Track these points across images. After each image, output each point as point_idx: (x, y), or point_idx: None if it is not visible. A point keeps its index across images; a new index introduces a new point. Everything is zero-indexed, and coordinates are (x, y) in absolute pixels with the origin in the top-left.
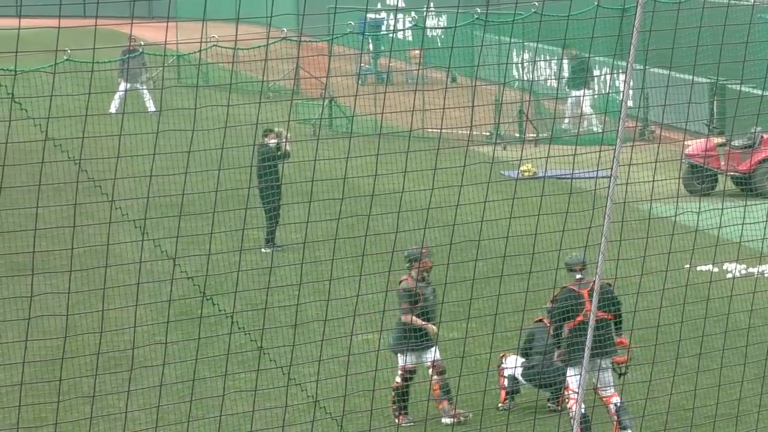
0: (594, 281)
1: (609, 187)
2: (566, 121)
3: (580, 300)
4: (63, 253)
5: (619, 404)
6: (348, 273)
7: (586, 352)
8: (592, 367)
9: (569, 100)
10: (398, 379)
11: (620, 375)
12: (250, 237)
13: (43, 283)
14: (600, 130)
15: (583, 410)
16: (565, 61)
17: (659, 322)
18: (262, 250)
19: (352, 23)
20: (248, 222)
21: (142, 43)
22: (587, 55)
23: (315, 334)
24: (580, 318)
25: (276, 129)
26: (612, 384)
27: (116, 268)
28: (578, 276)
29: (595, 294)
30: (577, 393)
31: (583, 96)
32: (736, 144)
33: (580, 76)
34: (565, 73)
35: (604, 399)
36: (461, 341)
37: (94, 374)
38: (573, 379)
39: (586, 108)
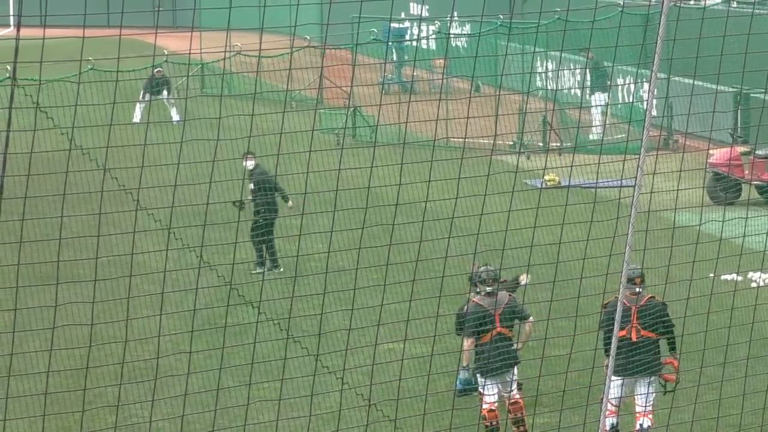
0: (647, 298)
1: (633, 196)
2: (595, 131)
3: (626, 315)
4: (88, 263)
5: (644, 428)
6: (372, 282)
7: (610, 364)
8: (634, 381)
9: (593, 108)
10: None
11: (665, 392)
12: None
13: (68, 292)
14: (618, 137)
15: (615, 421)
16: (587, 68)
17: (683, 331)
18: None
19: (376, 31)
20: (274, 232)
21: (166, 56)
22: (606, 62)
23: (339, 344)
24: (623, 333)
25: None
26: (649, 402)
27: (141, 277)
28: (638, 290)
29: (618, 303)
30: (612, 404)
31: (601, 103)
32: (761, 153)
33: (600, 82)
34: (588, 81)
35: (636, 413)
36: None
37: (118, 383)
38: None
39: (608, 115)
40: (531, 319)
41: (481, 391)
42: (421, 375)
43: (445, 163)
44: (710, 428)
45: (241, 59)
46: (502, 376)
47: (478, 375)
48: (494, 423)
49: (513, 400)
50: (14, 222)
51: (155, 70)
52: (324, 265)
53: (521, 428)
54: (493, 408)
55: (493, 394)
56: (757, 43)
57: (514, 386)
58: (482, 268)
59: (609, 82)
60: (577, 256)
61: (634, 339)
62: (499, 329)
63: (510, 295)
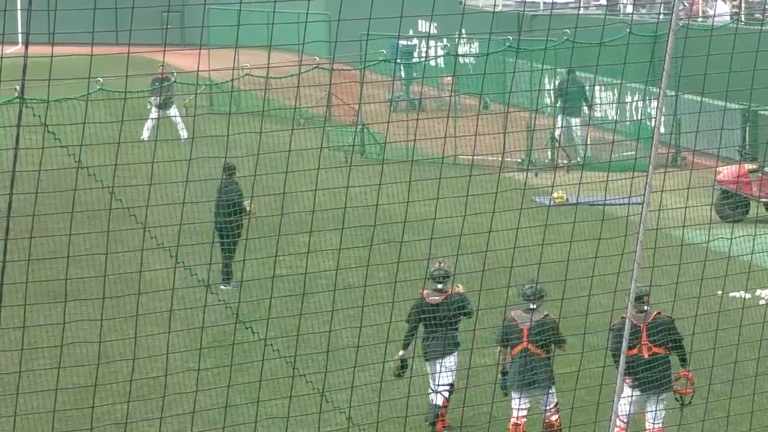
0: (654, 314)
1: (641, 214)
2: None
3: (635, 333)
4: (96, 280)
5: None
6: (381, 299)
7: (618, 381)
8: (645, 398)
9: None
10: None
11: (681, 405)
12: (283, 264)
13: (76, 310)
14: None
15: None
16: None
17: (692, 348)
18: (222, 287)
19: (385, 51)
20: (281, 249)
21: (174, 73)
22: (615, 79)
23: (348, 360)
24: (633, 351)
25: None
26: (660, 420)
27: (149, 295)
28: (646, 307)
29: (627, 321)
30: (622, 421)
31: (584, 122)
32: None
33: (577, 99)
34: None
35: (645, 430)
36: (493, 368)
37: (127, 401)
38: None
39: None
40: (564, 347)
41: (512, 404)
42: (430, 393)
43: (454, 181)
44: None
45: (249, 77)
46: (528, 392)
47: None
48: None
49: (547, 422)
50: (22, 240)
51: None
52: (332, 283)
53: None
54: (518, 422)
55: (519, 409)
56: (765, 61)
57: (548, 406)
58: (527, 285)
59: (589, 101)
60: (585, 274)
61: (646, 356)
62: (525, 344)
63: (549, 315)
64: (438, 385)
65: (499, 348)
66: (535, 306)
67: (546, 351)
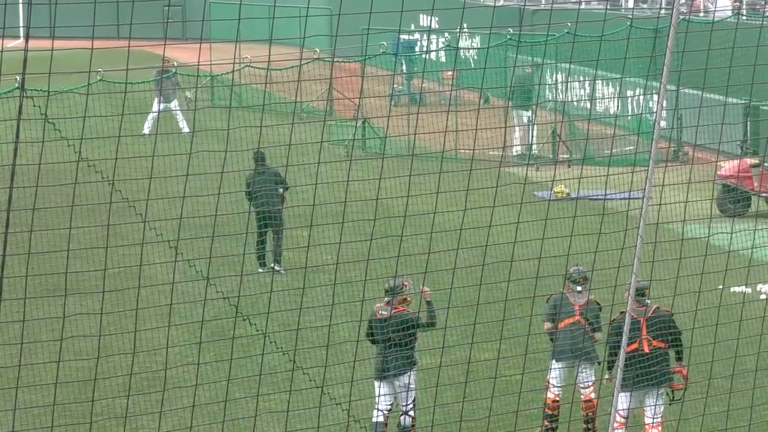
0: (654, 309)
1: (642, 208)
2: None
3: (635, 327)
4: (96, 274)
5: None
6: (380, 294)
7: (618, 376)
8: (644, 393)
9: (516, 120)
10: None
11: (672, 401)
12: (283, 258)
13: (76, 304)
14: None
15: None
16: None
17: (692, 342)
18: (280, 270)
19: (385, 44)
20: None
21: (176, 64)
22: (616, 73)
23: (347, 355)
24: (634, 345)
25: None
26: (659, 414)
27: (149, 289)
28: (647, 301)
29: (627, 315)
30: (621, 416)
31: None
32: None
33: (525, 96)
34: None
35: (644, 425)
36: (493, 362)
37: (127, 395)
38: (621, 403)
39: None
40: (599, 335)
41: (549, 379)
42: (430, 387)
43: (454, 175)
44: None
45: (250, 71)
46: (572, 363)
47: (551, 361)
48: (555, 413)
49: (586, 398)
50: (22, 233)
51: (163, 63)
52: (332, 277)
53: (591, 427)
54: (557, 399)
55: (560, 386)
56: (766, 55)
57: (587, 381)
58: (573, 269)
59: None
60: (585, 268)
61: (646, 350)
62: (578, 318)
63: (595, 300)
64: (404, 406)
65: (546, 324)
66: (580, 289)
67: (592, 328)
